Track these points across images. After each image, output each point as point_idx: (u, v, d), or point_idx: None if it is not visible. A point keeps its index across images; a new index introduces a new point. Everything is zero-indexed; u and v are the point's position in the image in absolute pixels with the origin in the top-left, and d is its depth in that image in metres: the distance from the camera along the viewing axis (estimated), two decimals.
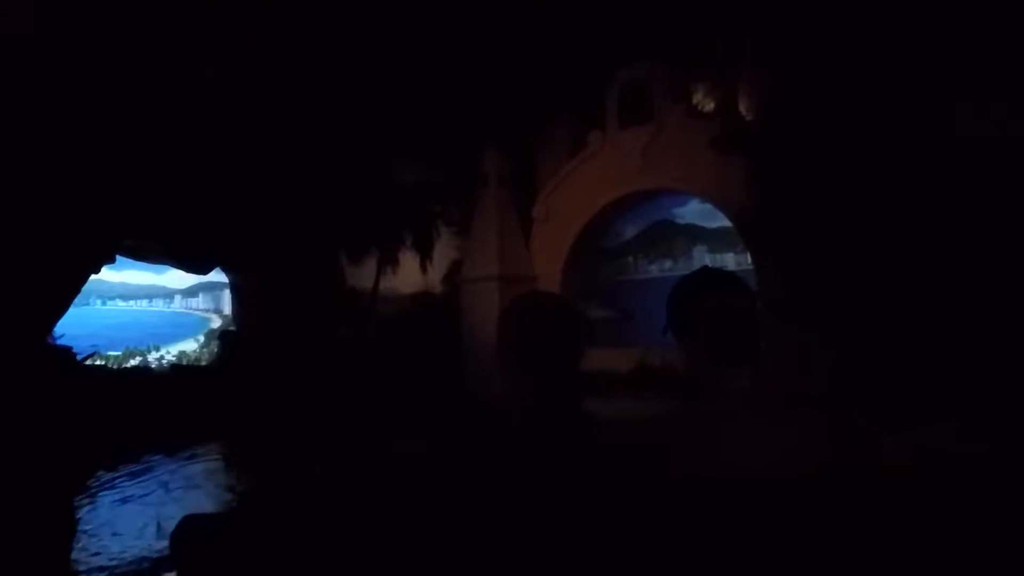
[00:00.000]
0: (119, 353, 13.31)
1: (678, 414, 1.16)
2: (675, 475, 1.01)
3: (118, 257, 12.35)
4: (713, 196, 8.93)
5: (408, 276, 15.33)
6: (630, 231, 11.02)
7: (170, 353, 13.72)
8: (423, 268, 15.23)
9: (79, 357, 11.13)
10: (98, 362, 12.68)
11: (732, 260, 9.68)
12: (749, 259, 9.54)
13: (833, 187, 7.41)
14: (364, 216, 14.51)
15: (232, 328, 14.70)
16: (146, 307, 14.73)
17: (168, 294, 15.11)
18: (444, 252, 15.11)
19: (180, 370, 12.37)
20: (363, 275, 14.91)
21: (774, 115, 7.99)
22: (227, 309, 14.81)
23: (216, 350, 14.21)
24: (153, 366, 13.31)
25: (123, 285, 14.21)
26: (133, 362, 13.19)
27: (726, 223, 9.79)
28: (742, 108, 8.91)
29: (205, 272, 13.47)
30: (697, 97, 9.63)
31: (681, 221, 10.42)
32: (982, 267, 6.46)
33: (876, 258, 7.28)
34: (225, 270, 14.12)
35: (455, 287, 12.76)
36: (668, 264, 10.59)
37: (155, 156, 11.30)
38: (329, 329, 14.08)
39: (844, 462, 1.01)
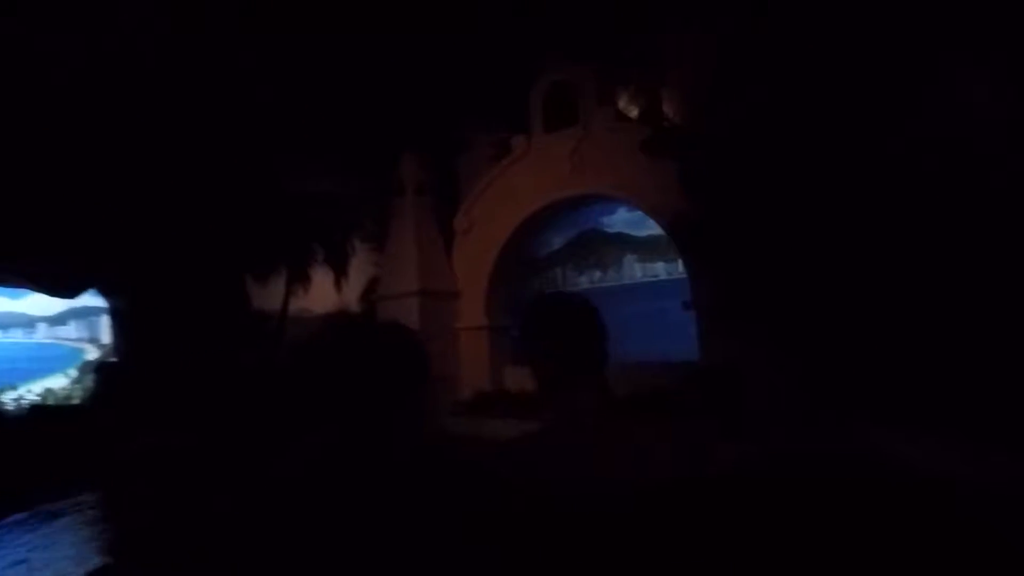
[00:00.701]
0: None
1: (529, 435, 1.17)
2: (524, 496, 1.00)
3: None
4: (643, 202, 8.54)
5: (321, 295, 14.22)
6: (557, 241, 10.49)
7: (32, 392, 11.72)
8: (337, 286, 14.16)
9: None
10: None
11: (663, 269, 9.36)
12: (681, 267, 9.23)
13: (769, 191, 7.17)
14: (270, 230, 13.35)
15: (112, 359, 12.88)
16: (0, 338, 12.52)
17: (28, 322, 12.94)
18: (360, 269, 14.16)
19: (42, 411, 10.52)
20: (271, 295, 13.67)
21: (705, 117, 7.72)
22: (107, 338, 12.96)
23: (91, 385, 12.35)
24: (10, 408, 11.30)
25: None
26: None
27: (656, 231, 9.45)
28: (667, 111, 8.64)
29: (73, 296, 11.69)
30: (622, 102, 9.30)
31: (610, 230, 10.00)
32: (932, 275, 6.35)
33: (815, 265, 7.07)
34: (102, 293, 12.36)
35: (373, 305, 11.79)
36: (598, 275, 10.12)
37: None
38: (231, 356, 12.70)
39: (683, 473, 1.05)
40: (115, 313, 12.61)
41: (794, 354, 7.43)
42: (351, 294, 14.13)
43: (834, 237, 6.92)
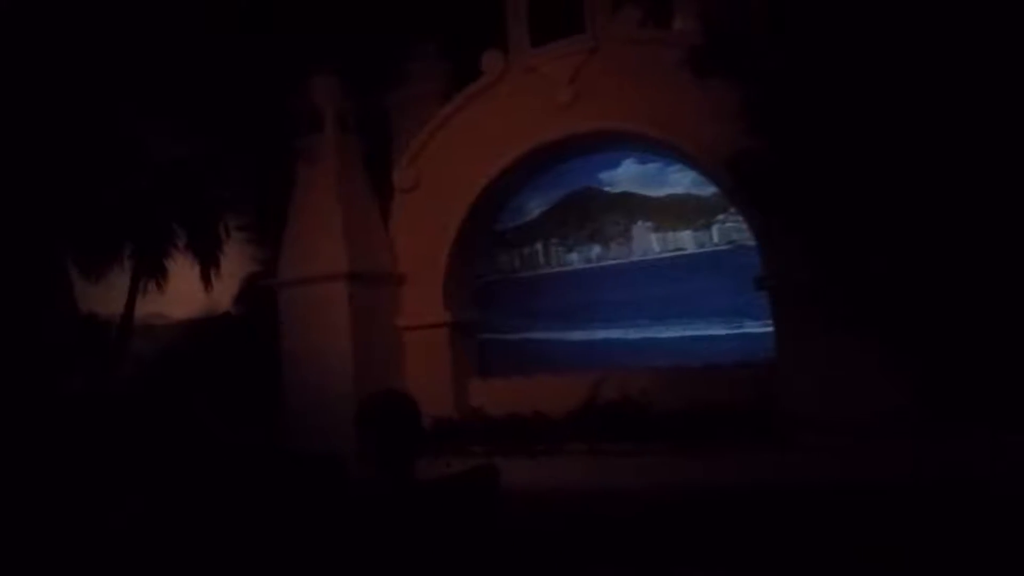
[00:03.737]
0: None
1: None
2: None
3: None
4: (687, 140, 6.08)
5: (182, 295, 10.54)
6: (534, 206, 7.74)
7: None
8: (206, 281, 10.42)
9: None
10: None
11: (690, 239, 6.98)
12: (715, 236, 6.91)
13: (884, 124, 4.99)
14: (107, 205, 9.55)
15: None
16: None
17: None
18: (234, 263, 10.61)
19: None
20: (109, 295, 9.88)
21: (789, 21, 5.41)
22: None
23: None
24: None
25: None
26: None
27: (679, 189, 7.07)
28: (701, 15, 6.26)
29: None
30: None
31: (613, 190, 7.42)
32: None
33: (941, 221, 4.99)
34: None
35: (262, 297, 8.46)
36: (596, 250, 7.51)
37: None
38: (48, 381, 8.94)
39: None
40: None
41: (908, 351, 5.34)
42: (223, 293, 10.69)
43: (979, 186, 4.91)
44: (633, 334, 6.91)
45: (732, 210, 6.55)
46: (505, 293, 7.83)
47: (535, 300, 7.64)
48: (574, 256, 7.58)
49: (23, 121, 8.42)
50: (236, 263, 10.72)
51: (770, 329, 6.00)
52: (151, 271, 9.76)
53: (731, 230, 6.61)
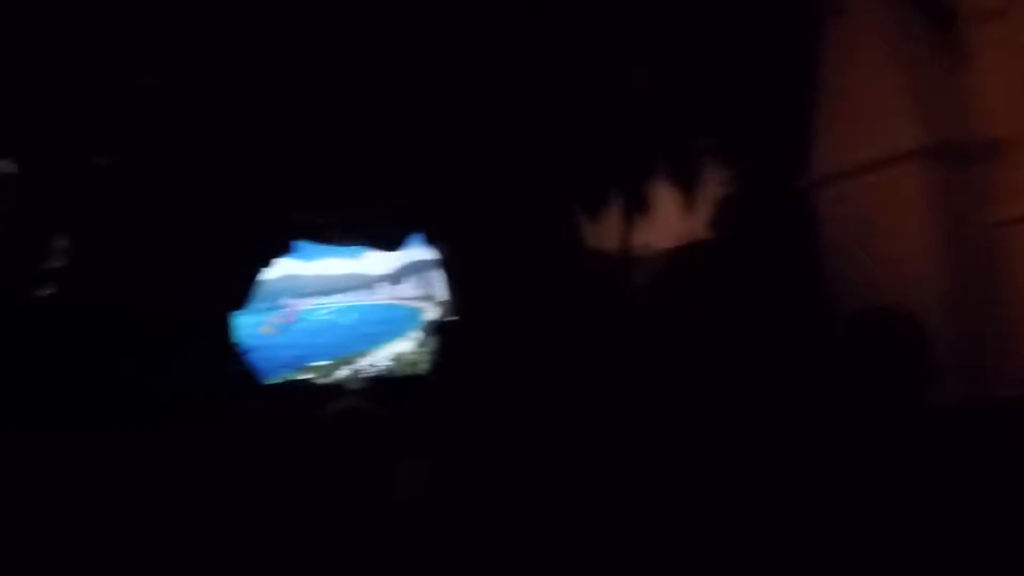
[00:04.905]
0: (328, 363, 10.78)
1: None
2: None
3: (298, 245, 9.69)
4: None
5: (666, 224, 10.48)
6: None
7: (380, 358, 10.86)
8: (685, 209, 10.11)
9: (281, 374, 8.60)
10: (304, 376, 10.26)
11: None
12: None
13: None
14: (599, 145, 10.20)
15: (452, 318, 11.43)
16: (350, 303, 12.12)
17: (368, 283, 12.37)
18: (706, 187, 9.96)
19: (384, 383, 9.30)
20: (604, 231, 10.60)
21: None
22: (441, 294, 11.61)
23: (434, 348, 11.06)
24: (367, 375, 10.59)
25: (319, 279, 11.82)
26: (343, 372, 10.54)
27: None
28: None
29: (395, 247, 10.30)
30: None
31: None
32: None
33: None
34: (430, 242, 10.82)
35: (741, 221, 7.54)
36: None
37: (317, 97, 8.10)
38: (579, 311, 10.15)
39: None
40: (446, 265, 11.02)
41: None
42: (697, 220, 10.15)
43: None
44: None
45: None
46: None
47: None
48: None
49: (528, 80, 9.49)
50: (708, 187, 10.14)
51: None
52: (638, 205, 10.07)
53: None
